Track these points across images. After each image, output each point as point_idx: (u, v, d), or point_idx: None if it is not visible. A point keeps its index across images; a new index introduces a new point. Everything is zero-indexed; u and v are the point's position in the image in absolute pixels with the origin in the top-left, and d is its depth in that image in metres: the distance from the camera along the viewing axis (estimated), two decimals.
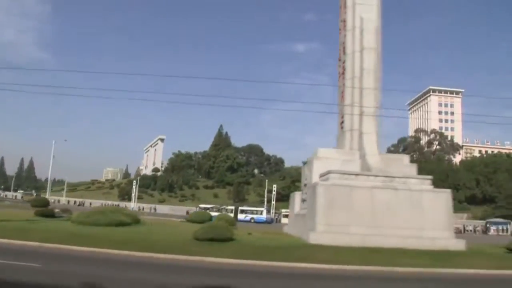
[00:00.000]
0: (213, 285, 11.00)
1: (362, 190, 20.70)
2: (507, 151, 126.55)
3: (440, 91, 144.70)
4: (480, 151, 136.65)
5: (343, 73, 26.89)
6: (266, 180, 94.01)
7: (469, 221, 77.11)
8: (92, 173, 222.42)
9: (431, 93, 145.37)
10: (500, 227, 66.36)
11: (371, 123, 24.40)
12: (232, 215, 57.82)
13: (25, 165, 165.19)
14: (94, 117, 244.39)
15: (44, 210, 28.01)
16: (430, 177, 22.63)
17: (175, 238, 20.73)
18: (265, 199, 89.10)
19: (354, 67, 25.79)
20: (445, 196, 21.54)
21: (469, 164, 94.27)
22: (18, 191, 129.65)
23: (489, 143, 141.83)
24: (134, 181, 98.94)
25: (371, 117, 24.40)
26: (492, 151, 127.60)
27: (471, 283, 15.34)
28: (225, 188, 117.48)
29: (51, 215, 27.78)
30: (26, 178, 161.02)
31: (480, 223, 72.64)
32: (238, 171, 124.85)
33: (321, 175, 22.86)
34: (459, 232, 67.04)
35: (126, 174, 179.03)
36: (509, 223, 67.60)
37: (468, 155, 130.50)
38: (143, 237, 20.65)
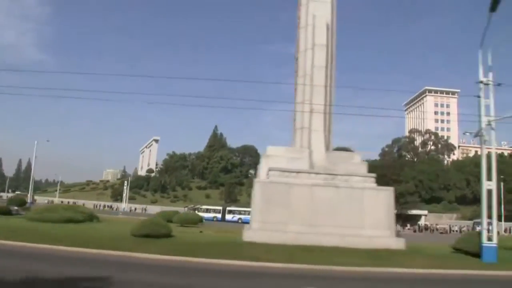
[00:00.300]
0: (85, 276, 11.01)
1: (301, 188, 20.58)
2: (503, 151, 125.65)
3: (436, 92, 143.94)
4: (476, 152, 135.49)
5: (297, 71, 26.81)
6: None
7: (457, 222, 76.68)
8: (92, 175, 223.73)
9: (427, 93, 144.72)
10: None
11: (320, 120, 24.26)
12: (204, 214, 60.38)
13: (23, 166, 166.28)
14: (94, 117, 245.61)
15: (1, 208, 28.32)
16: (373, 174, 22.42)
17: (115, 235, 20.90)
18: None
19: (306, 64, 25.71)
20: (386, 194, 21.32)
21: (460, 164, 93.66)
22: (16, 192, 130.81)
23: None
24: (125, 182, 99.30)
25: (320, 115, 24.27)
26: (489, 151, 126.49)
27: (398, 281, 15.14)
28: (218, 189, 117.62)
29: (7, 212, 28.07)
30: (24, 179, 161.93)
31: (468, 223, 72.13)
32: (232, 172, 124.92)
33: (267, 173, 22.77)
34: (445, 233, 66.69)
35: (124, 175, 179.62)
36: (497, 223, 66.94)
37: (464, 155, 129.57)
38: (84, 233, 20.85)
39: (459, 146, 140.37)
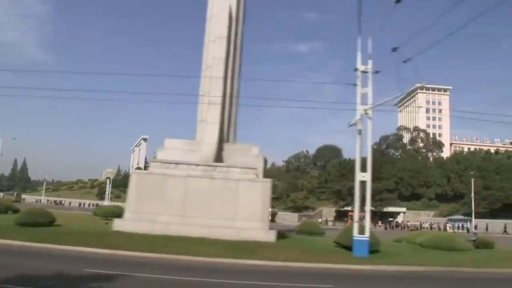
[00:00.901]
0: None
1: (176, 179, 20.48)
2: (496, 148, 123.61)
3: (427, 89, 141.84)
4: (469, 149, 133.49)
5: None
6: None
7: (433, 219, 75.58)
8: (94, 174, 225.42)
9: (418, 90, 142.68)
10: (456, 224, 64.94)
11: (216, 113, 24.08)
12: None
13: (19, 166, 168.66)
14: (93, 117, 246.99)
15: None
16: (255, 166, 22.11)
17: (4, 224, 21.29)
18: None
19: (208, 57, 25.60)
20: (262, 186, 21.01)
21: (440, 161, 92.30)
22: (11, 191, 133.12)
23: (478, 141, 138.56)
24: (108, 180, 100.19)
25: (216, 107, 24.11)
26: (481, 149, 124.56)
27: (246, 273, 14.84)
28: None
29: None
30: (20, 179, 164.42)
31: (439, 220, 71.26)
32: None
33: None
34: (415, 230, 65.70)
35: (118, 174, 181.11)
36: (469, 221, 66.06)
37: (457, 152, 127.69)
38: None
39: (451, 144, 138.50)
